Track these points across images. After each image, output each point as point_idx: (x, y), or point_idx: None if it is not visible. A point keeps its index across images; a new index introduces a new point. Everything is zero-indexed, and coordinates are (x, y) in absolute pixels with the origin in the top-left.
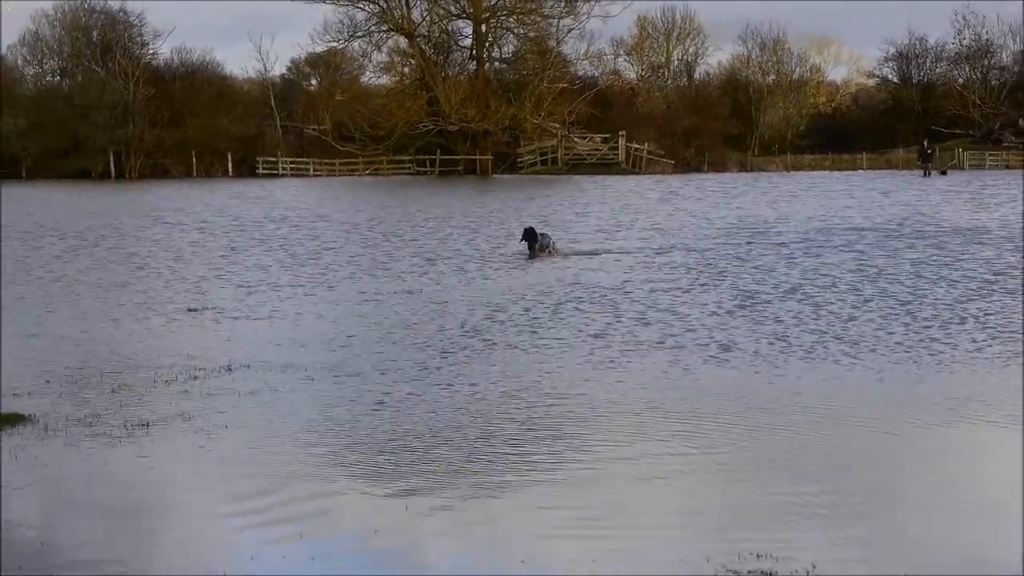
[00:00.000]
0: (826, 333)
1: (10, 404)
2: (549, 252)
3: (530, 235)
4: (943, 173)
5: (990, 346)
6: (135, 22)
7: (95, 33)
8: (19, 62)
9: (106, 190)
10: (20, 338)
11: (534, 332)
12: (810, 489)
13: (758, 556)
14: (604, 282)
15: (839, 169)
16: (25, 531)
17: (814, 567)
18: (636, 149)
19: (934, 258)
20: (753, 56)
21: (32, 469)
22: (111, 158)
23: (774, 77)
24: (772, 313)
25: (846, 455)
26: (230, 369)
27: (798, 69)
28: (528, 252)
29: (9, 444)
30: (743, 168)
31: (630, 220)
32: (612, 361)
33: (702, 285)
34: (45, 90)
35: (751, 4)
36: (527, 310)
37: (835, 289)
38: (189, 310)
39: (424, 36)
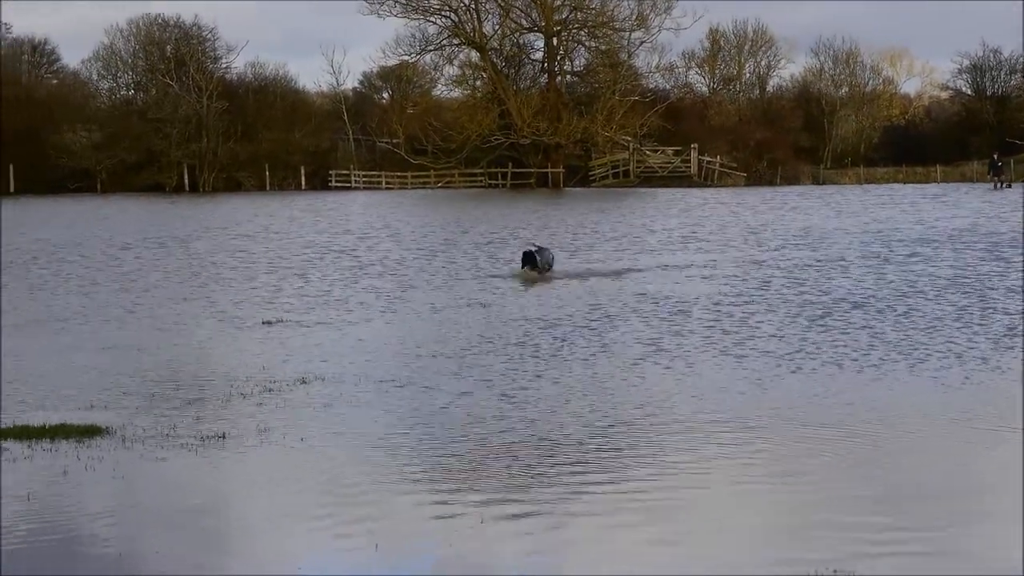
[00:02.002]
0: (905, 344)
1: (87, 416)
2: (550, 268)
3: (529, 258)
4: (1009, 186)
5: None
6: (208, 36)
7: (169, 47)
8: (94, 76)
9: (180, 204)
10: (96, 350)
11: (603, 344)
12: (887, 505)
13: (835, 571)
14: (676, 294)
15: (913, 182)
16: (103, 542)
17: None
18: (708, 162)
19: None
20: (826, 68)
21: (109, 480)
22: (185, 172)
23: (847, 89)
24: (853, 324)
25: (925, 472)
26: (304, 382)
27: (871, 81)
28: (530, 271)
29: (87, 455)
30: (815, 181)
31: (703, 232)
32: (685, 372)
33: (778, 297)
34: (119, 104)
35: (824, 18)
36: (596, 322)
37: (909, 300)
38: (264, 323)
39: (496, 49)
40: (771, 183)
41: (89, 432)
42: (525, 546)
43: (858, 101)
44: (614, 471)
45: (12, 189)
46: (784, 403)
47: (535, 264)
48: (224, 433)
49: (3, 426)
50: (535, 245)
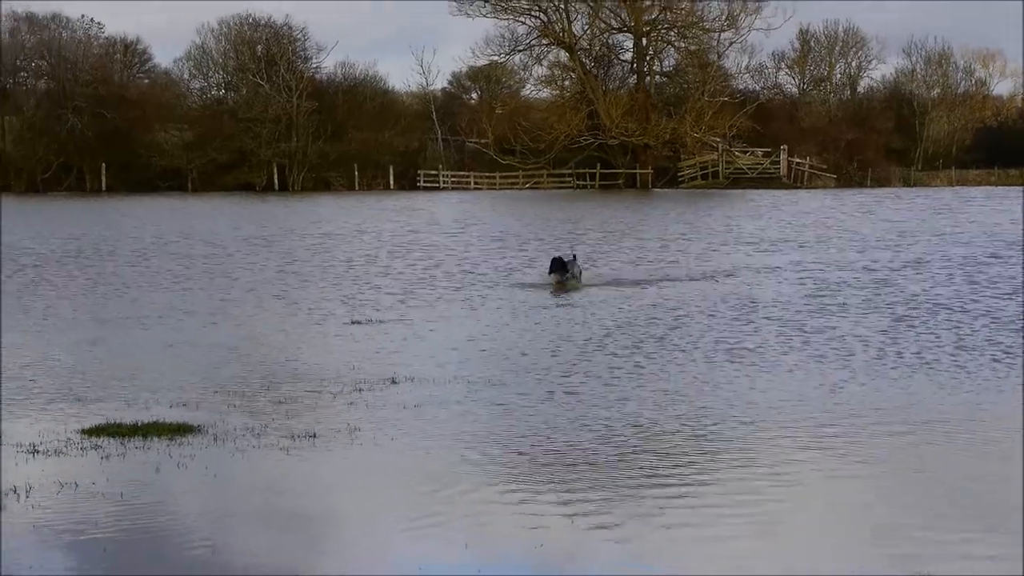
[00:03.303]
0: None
1: (179, 414)
2: (576, 278)
3: (559, 265)
4: None
5: None
6: (299, 36)
7: (259, 47)
8: (185, 76)
9: (271, 203)
10: (187, 348)
11: (688, 346)
12: (975, 505)
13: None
14: (763, 295)
15: (1006, 184)
16: (196, 537)
17: None
18: (798, 163)
19: None
20: (917, 69)
21: (202, 478)
22: (275, 171)
23: (939, 91)
24: (940, 327)
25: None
26: (394, 381)
27: (963, 83)
28: (558, 279)
29: (178, 453)
30: (906, 183)
31: (793, 233)
32: (771, 374)
33: (866, 299)
34: (210, 104)
35: (915, 18)
36: (680, 323)
37: (989, 305)
38: (352, 322)
39: (585, 50)
40: (861, 185)
41: (181, 430)
42: (615, 547)
43: (950, 102)
44: (705, 473)
45: (104, 188)
46: (871, 405)
47: (564, 271)
48: (314, 432)
49: (96, 424)
50: (570, 255)
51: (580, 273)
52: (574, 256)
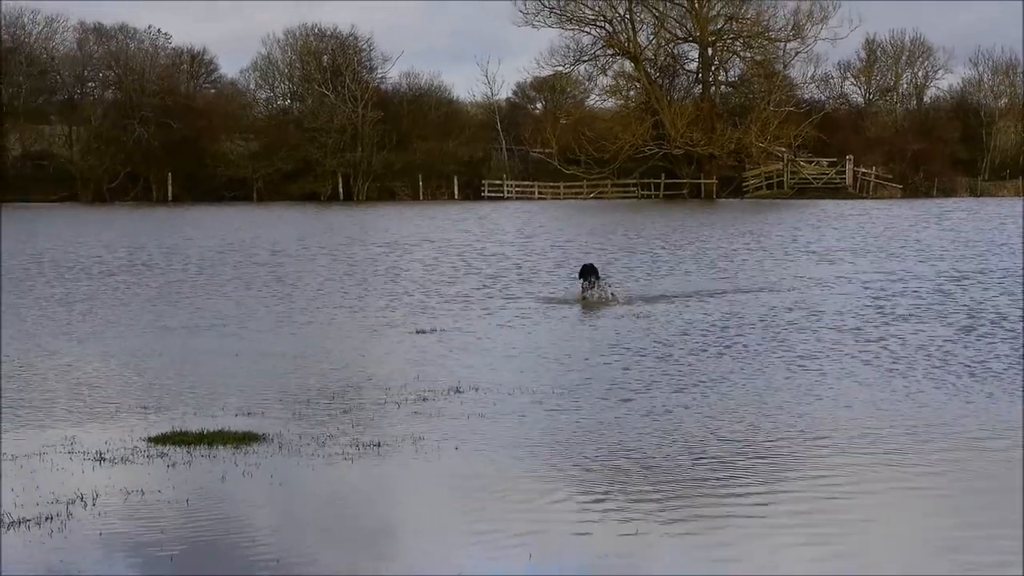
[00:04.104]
0: None
1: (244, 423)
2: (601, 289)
3: (590, 271)
4: None
5: None
6: (364, 46)
7: (325, 57)
8: (251, 86)
9: (335, 212)
10: (252, 356)
11: (749, 355)
12: None
13: None
14: (827, 305)
15: None
16: (261, 547)
17: None
18: (863, 173)
19: None
20: (984, 79)
21: (267, 486)
22: (339, 181)
23: (1006, 100)
24: (1006, 338)
25: None
26: (459, 391)
27: None
28: (584, 287)
29: (244, 462)
30: (972, 193)
31: (859, 243)
32: (833, 384)
33: (931, 310)
34: (276, 114)
35: (981, 25)
36: (743, 333)
37: None
38: (417, 331)
39: (650, 60)
40: (927, 195)
41: (247, 439)
42: (678, 558)
43: (1018, 112)
44: (767, 483)
45: (170, 197)
46: (935, 417)
47: (596, 277)
48: (379, 441)
49: (162, 432)
50: (595, 267)
51: (609, 288)
52: (593, 267)
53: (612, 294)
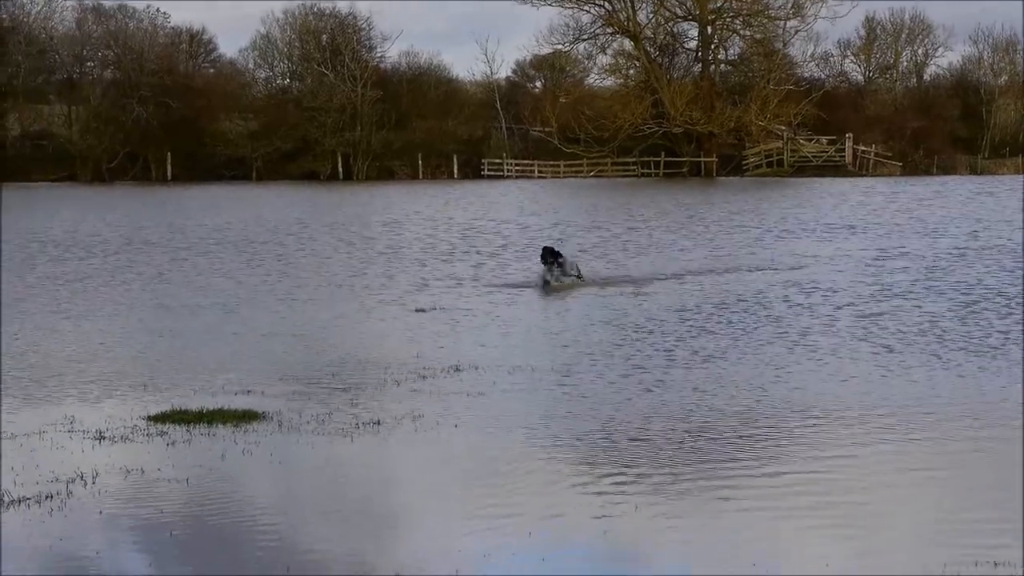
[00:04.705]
0: None
1: (244, 401)
2: (563, 271)
3: (551, 253)
4: None
5: None
6: (363, 26)
7: (324, 36)
8: (250, 65)
9: (335, 191)
10: (252, 335)
11: (750, 334)
12: None
13: (995, 564)
14: (827, 283)
15: None
16: (261, 524)
17: None
18: (863, 151)
19: None
20: (984, 57)
21: (267, 464)
22: (339, 160)
23: (1006, 78)
24: (1007, 316)
25: None
26: (458, 369)
27: None
28: (543, 272)
29: (244, 440)
30: (972, 171)
31: (859, 220)
32: (836, 363)
33: (934, 287)
34: (275, 93)
35: (982, 5)
36: (744, 311)
37: None
38: (417, 310)
39: (649, 38)
40: (927, 173)
41: (246, 417)
42: (680, 534)
43: (1018, 90)
44: (770, 462)
45: (169, 177)
46: (937, 396)
47: (556, 259)
48: (379, 419)
49: (161, 410)
50: (557, 251)
51: (576, 271)
52: (554, 249)
53: (578, 275)
